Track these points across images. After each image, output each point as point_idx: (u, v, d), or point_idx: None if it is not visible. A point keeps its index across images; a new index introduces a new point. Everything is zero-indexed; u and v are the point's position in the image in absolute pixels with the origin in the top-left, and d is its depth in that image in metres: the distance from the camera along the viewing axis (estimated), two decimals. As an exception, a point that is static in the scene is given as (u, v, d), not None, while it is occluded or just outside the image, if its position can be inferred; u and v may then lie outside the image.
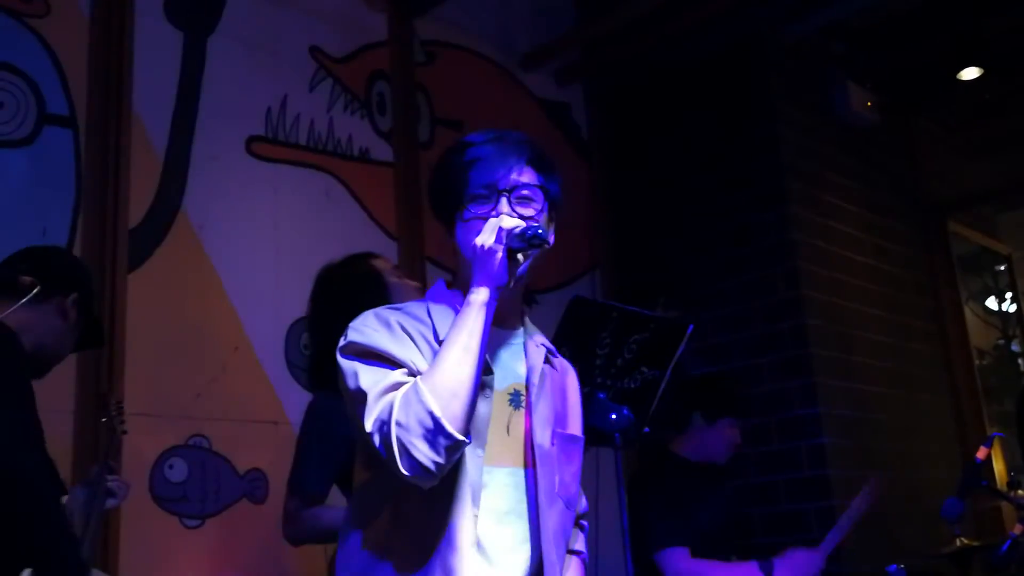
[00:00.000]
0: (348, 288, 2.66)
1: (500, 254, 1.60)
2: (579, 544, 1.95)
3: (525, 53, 4.79)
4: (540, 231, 1.60)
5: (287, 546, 2.71)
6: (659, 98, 4.87)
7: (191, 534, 3.17)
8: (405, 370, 1.60)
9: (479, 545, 1.62)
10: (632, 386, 2.56)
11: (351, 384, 1.59)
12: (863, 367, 4.52)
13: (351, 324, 1.67)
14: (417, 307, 1.75)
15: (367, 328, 1.65)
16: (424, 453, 1.49)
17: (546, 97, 4.88)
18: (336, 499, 2.73)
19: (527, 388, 1.75)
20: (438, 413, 1.49)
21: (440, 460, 1.50)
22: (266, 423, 3.40)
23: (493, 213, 1.67)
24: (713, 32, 4.59)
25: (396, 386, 1.55)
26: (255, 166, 3.63)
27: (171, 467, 3.17)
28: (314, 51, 3.93)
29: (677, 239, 4.67)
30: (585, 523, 2.02)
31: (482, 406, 1.64)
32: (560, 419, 1.79)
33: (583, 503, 1.98)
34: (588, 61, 4.98)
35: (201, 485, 3.22)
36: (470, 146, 1.74)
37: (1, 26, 3.07)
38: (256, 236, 3.56)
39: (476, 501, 1.62)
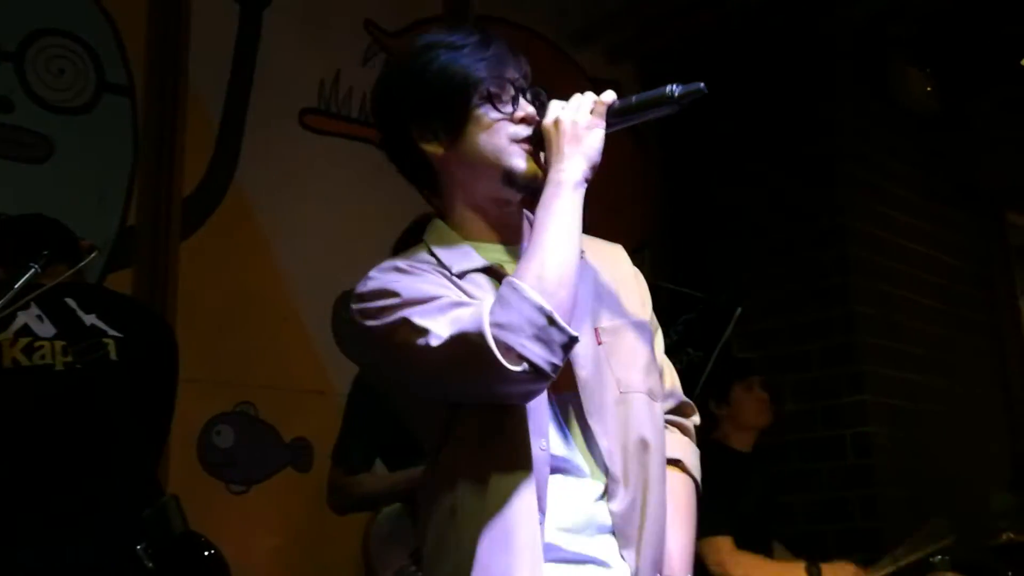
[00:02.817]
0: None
1: (600, 130, 1.42)
2: (680, 450, 1.60)
3: (577, 29, 4.76)
4: (700, 85, 1.45)
5: (330, 515, 2.75)
6: (713, 78, 4.80)
7: (236, 500, 3.22)
8: (450, 294, 1.38)
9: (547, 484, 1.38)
10: (677, 367, 2.55)
11: (387, 322, 1.36)
12: (913, 357, 4.45)
13: (358, 289, 1.43)
14: (415, 250, 1.53)
15: (380, 282, 1.41)
16: (539, 354, 1.27)
17: (598, 76, 4.85)
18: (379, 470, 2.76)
19: None
20: (548, 308, 1.29)
21: (556, 361, 1.30)
22: (312, 392, 3.44)
23: (516, 113, 1.45)
24: (771, 12, 4.53)
25: (458, 304, 1.34)
26: (308, 138, 3.66)
27: (218, 433, 3.22)
28: (368, 25, 3.94)
29: (729, 221, 4.62)
30: (687, 422, 1.68)
31: None
32: (604, 310, 1.53)
33: (678, 392, 1.67)
34: (642, 39, 4.93)
35: (247, 452, 3.27)
36: (466, 44, 1.48)
37: (63, -5, 3.13)
38: (307, 208, 3.59)
39: (543, 432, 1.39)
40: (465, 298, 1.38)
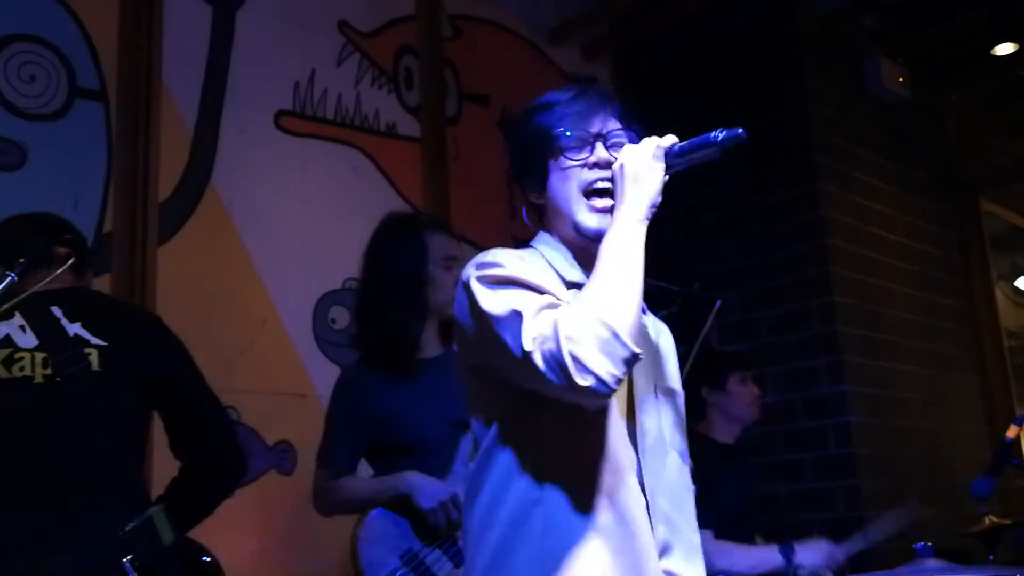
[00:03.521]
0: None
1: (660, 172, 1.58)
2: None
3: (552, 27, 4.76)
4: (739, 131, 1.58)
5: (315, 517, 2.74)
6: (688, 73, 4.83)
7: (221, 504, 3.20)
8: (552, 297, 1.52)
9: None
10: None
11: (497, 308, 1.50)
12: (892, 345, 4.49)
13: (478, 260, 1.59)
14: (532, 254, 1.70)
15: (502, 258, 1.57)
16: (602, 365, 1.40)
17: (573, 72, 4.85)
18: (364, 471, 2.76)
19: None
20: (614, 324, 1.42)
21: (618, 373, 1.41)
22: (294, 395, 3.43)
23: (590, 159, 1.64)
24: (744, 6, 4.55)
25: (553, 305, 1.48)
26: (283, 140, 3.64)
27: (201, 439, 3.20)
28: (342, 25, 3.93)
29: (706, 215, 4.64)
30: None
31: None
32: (658, 371, 1.72)
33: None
34: (616, 36, 4.94)
35: (230, 456, 3.25)
36: (558, 103, 1.70)
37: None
38: (284, 210, 3.58)
39: (633, 436, 1.59)
40: (562, 301, 1.51)
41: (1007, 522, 3.08)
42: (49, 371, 2.13)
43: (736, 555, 3.18)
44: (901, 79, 4.86)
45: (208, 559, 2.30)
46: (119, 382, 2.20)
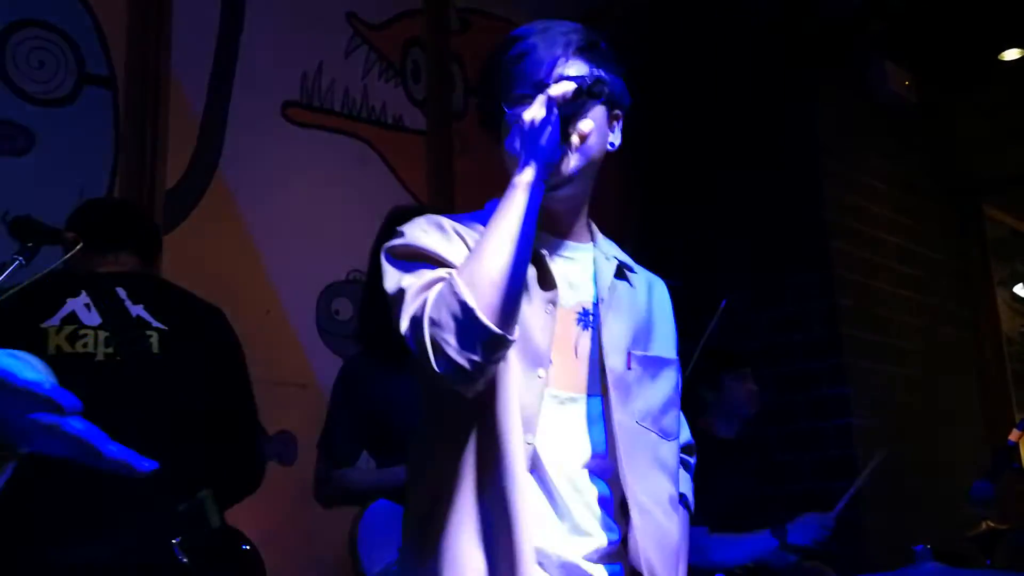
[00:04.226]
0: None
1: (552, 126, 1.38)
2: (683, 486, 1.68)
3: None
4: (599, 78, 1.41)
5: (316, 507, 2.75)
6: (692, 72, 4.83)
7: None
8: (450, 271, 1.41)
9: (535, 474, 1.43)
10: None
11: (390, 286, 1.42)
12: (893, 348, 4.50)
13: (401, 226, 1.51)
14: (476, 216, 1.58)
15: (416, 229, 1.49)
16: (457, 349, 1.30)
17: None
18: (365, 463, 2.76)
19: (596, 304, 1.54)
20: (472, 304, 1.30)
21: (475, 358, 1.31)
22: (296, 386, 3.43)
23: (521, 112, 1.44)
24: (750, 7, 4.55)
25: (435, 283, 1.38)
26: (290, 131, 3.64)
27: (202, 427, 3.20)
28: (350, 17, 3.93)
29: (708, 214, 4.64)
30: (690, 459, 1.77)
31: (544, 325, 1.46)
32: (640, 339, 1.57)
33: (685, 434, 1.73)
34: (621, 33, 4.93)
35: (231, 446, 3.25)
36: (515, 41, 1.53)
37: (43, -15, 3.10)
38: (289, 200, 3.58)
39: (531, 428, 1.42)
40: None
41: (1005, 527, 3.09)
42: (111, 350, 2.15)
43: (730, 547, 3.19)
44: (907, 83, 4.86)
45: (247, 547, 2.31)
46: (178, 366, 2.22)
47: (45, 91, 3.04)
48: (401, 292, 1.39)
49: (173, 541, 2.04)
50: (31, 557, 2.02)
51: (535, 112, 1.38)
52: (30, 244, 2.11)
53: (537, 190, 1.39)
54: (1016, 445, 2.81)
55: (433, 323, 1.31)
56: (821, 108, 4.48)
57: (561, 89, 1.38)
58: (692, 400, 3.40)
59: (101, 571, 1.99)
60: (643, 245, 4.72)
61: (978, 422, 5.07)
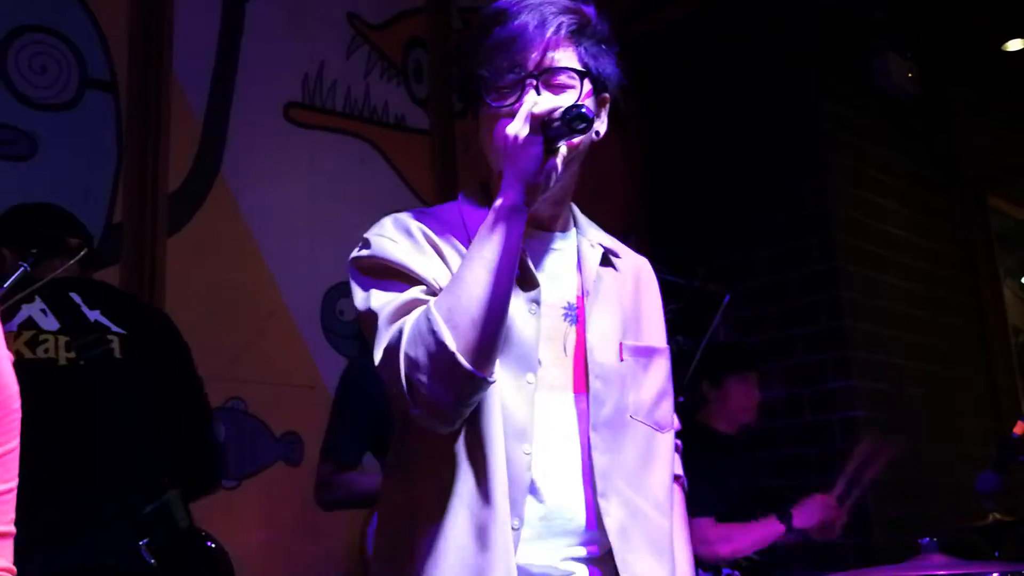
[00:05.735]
0: None
1: (535, 146, 1.28)
2: (676, 467, 1.62)
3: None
4: (583, 109, 1.27)
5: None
6: (695, 66, 4.82)
7: (228, 495, 3.21)
8: (424, 288, 1.33)
9: (534, 488, 1.36)
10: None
11: (360, 304, 1.35)
12: (898, 341, 4.49)
13: (368, 233, 1.41)
14: (448, 210, 1.48)
15: (383, 238, 1.38)
16: (433, 390, 1.23)
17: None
18: (371, 466, 2.77)
19: (580, 297, 1.46)
20: (451, 345, 1.22)
21: (452, 401, 1.25)
22: (302, 387, 3.44)
23: (517, 105, 1.33)
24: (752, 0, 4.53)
25: (410, 307, 1.29)
26: (292, 132, 3.65)
27: (209, 429, 3.21)
28: (351, 17, 3.93)
29: (713, 208, 4.63)
30: (678, 442, 1.68)
31: (530, 325, 1.38)
32: (630, 328, 1.50)
33: (675, 421, 1.64)
34: (623, 28, 4.93)
35: (238, 447, 3.26)
36: (504, 16, 1.39)
37: (44, -10, 3.10)
38: (292, 202, 3.58)
39: (526, 437, 1.35)
40: (426, 298, 1.31)
41: (1012, 519, 3.08)
42: (72, 354, 2.15)
43: (737, 536, 3.20)
44: (909, 74, 4.84)
45: (213, 545, 2.32)
46: (140, 370, 2.22)
47: (47, 96, 3.05)
48: (372, 314, 1.31)
49: (140, 543, 2.04)
50: None
51: (517, 128, 1.28)
52: (34, 250, 2.12)
53: (520, 215, 1.30)
54: (1022, 437, 2.80)
55: (408, 360, 1.24)
56: (825, 100, 4.47)
57: (546, 107, 1.29)
58: (695, 395, 3.41)
59: None
60: (651, 242, 4.72)
61: (985, 414, 5.06)
